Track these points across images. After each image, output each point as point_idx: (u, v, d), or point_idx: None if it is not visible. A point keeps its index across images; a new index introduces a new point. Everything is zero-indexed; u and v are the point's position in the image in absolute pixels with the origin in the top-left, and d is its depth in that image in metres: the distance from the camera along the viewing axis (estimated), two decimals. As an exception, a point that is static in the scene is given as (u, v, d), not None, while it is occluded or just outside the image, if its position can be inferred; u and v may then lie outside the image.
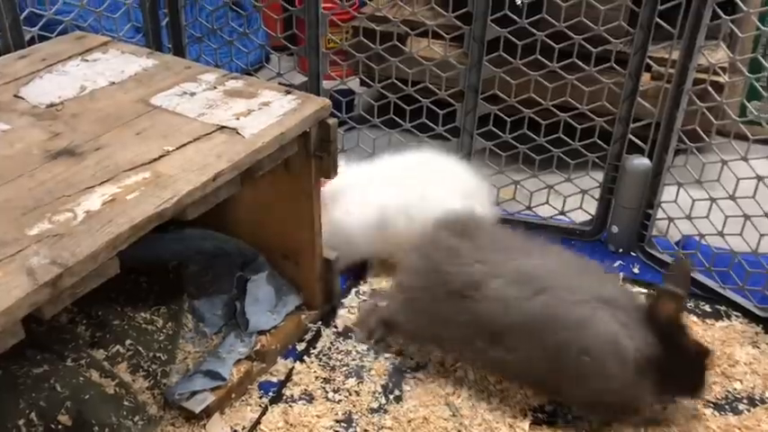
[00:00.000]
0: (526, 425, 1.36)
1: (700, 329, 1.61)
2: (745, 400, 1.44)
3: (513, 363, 1.33)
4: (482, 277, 1.33)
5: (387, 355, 1.52)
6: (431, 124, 1.90)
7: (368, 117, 1.96)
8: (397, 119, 1.92)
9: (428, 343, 1.51)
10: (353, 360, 1.51)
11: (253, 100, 1.36)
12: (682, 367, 1.29)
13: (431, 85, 1.87)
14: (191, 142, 1.21)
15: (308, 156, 1.37)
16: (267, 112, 1.32)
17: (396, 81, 1.89)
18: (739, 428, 1.38)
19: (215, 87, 1.41)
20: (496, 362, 1.36)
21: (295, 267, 1.55)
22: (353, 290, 1.71)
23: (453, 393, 1.42)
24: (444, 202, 1.59)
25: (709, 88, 1.66)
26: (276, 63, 2.12)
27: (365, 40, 1.89)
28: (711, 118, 1.65)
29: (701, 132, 1.68)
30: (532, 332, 1.29)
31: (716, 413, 1.41)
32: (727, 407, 1.43)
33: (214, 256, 1.51)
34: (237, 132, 1.24)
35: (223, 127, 1.26)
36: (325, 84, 1.94)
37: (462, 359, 1.48)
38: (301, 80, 1.92)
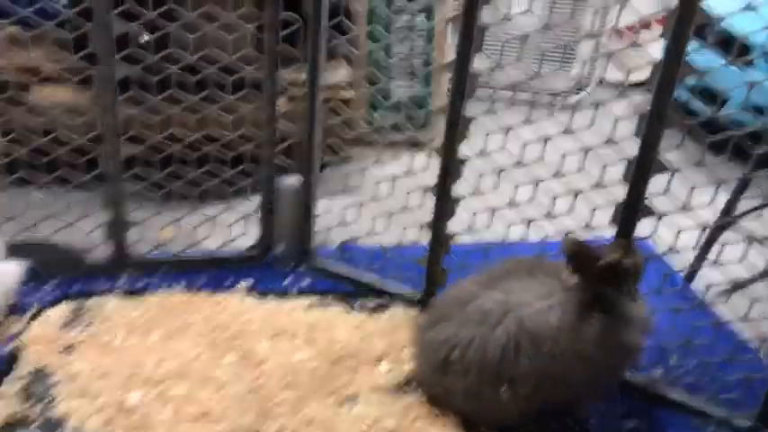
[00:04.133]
0: None
1: (370, 325, 1.71)
2: (414, 384, 1.55)
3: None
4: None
5: None
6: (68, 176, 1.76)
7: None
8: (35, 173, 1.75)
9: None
10: None
11: None
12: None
13: (68, 133, 1.74)
14: None
15: None
16: None
17: (25, 133, 1.72)
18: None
19: None
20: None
21: None
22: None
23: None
24: None
25: (342, 104, 1.81)
26: None
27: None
28: (346, 129, 1.79)
29: (340, 144, 1.81)
30: None
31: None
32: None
33: None
34: None
35: None
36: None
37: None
38: None
